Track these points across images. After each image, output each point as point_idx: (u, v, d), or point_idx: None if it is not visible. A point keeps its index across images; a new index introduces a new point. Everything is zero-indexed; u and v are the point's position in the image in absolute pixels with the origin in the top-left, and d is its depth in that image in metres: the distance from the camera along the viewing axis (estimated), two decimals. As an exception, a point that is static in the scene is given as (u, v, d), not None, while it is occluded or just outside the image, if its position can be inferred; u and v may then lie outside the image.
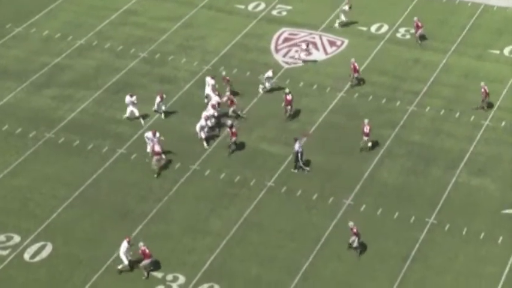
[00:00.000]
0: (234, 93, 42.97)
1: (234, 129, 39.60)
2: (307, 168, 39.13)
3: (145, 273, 33.56)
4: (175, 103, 43.47)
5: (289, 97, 41.70)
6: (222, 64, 46.49)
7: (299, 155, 38.95)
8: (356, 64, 44.11)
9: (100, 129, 41.77)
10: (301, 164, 39.08)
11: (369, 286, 33.81)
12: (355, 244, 34.57)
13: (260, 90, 44.06)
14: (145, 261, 33.46)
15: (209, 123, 40.57)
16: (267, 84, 43.91)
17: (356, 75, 44.19)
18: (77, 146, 40.80)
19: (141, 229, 36.26)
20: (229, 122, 40.14)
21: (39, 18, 50.37)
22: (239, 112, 42.02)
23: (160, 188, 38.27)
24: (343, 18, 48.97)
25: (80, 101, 43.71)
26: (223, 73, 43.58)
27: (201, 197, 37.86)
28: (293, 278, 34.07)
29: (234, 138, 39.64)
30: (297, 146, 38.89)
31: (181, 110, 42.90)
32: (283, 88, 42.87)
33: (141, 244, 33.55)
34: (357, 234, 34.38)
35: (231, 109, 41.95)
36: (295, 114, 42.78)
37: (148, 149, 39.36)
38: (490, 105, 42.86)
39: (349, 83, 44.32)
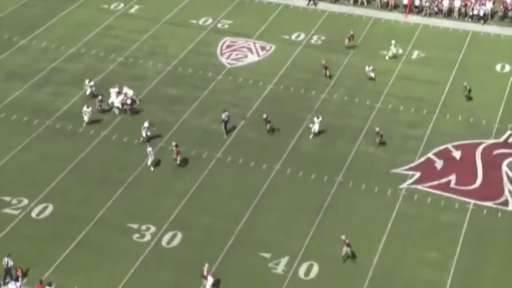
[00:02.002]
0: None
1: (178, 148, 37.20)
2: (225, 136, 39.31)
3: None
4: (145, 96, 42.94)
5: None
6: (180, 65, 46.05)
7: (224, 123, 39.26)
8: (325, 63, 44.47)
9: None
10: (224, 129, 39.29)
11: (295, 229, 33.99)
12: (347, 254, 31.89)
13: (368, 74, 44.22)
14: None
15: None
16: (372, 74, 44.38)
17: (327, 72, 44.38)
18: (70, 130, 40.19)
19: (121, 192, 35.92)
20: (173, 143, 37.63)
21: (39, 32, 49.34)
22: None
23: (135, 161, 37.89)
24: (393, 51, 46.99)
25: (72, 96, 42.92)
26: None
27: (167, 166, 37.57)
28: (237, 225, 34.16)
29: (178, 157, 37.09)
30: (223, 116, 39.13)
31: (149, 100, 42.39)
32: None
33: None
34: (348, 245, 31.78)
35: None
36: (236, 102, 42.63)
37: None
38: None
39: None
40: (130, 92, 41.33)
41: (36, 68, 45.62)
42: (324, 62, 44.45)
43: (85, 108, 40.12)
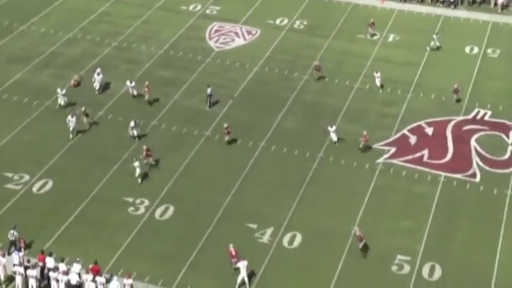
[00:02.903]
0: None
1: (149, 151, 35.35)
2: (208, 109, 39.17)
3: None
4: (139, 78, 42.40)
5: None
6: (172, 49, 45.60)
7: (209, 97, 39.06)
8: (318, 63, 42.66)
9: (85, 98, 40.57)
10: (208, 103, 39.07)
11: (279, 202, 33.96)
12: (361, 246, 30.80)
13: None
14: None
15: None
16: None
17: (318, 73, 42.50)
18: (69, 110, 39.47)
19: (117, 168, 35.71)
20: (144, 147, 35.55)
21: (37, 19, 48.64)
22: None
23: (129, 140, 37.55)
24: (437, 43, 45.59)
25: (70, 78, 42.20)
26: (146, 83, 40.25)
27: (159, 144, 37.26)
28: (226, 198, 34.08)
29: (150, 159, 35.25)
30: (208, 91, 38.86)
31: (143, 82, 41.54)
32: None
33: None
34: (361, 239, 30.59)
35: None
36: (224, 83, 42.32)
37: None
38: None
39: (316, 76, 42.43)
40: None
41: (36, 52, 45.02)
42: (317, 62, 42.52)
43: (69, 117, 36.95)
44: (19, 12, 49.31)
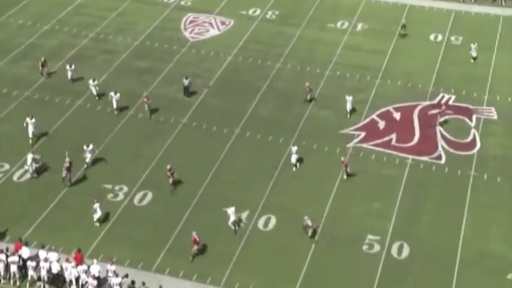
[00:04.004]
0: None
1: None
2: (187, 98, 37.90)
3: None
4: (115, 68, 40.89)
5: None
6: (148, 40, 43.98)
7: (186, 88, 37.86)
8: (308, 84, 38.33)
9: (63, 88, 38.95)
10: (186, 93, 37.85)
11: (254, 186, 32.85)
12: (310, 233, 29.77)
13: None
14: None
15: None
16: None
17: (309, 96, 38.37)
18: (47, 101, 38.13)
19: (95, 156, 34.14)
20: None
21: (15, 11, 46.62)
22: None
23: (108, 129, 36.08)
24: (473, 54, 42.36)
25: (49, 68, 40.40)
26: (145, 93, 37.46)
27: (137, 132, 35.90)
28: (202, 183, 32.83)
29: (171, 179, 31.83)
30: (186, 82, 37.66)
31: (119, 73, 40.33)
32: None
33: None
34: (309, 227, 29.58)
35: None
36: (199, 72, 40.91)
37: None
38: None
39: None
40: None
41: (14, 44, 43.16)
42: (307, 83, 38.05)
43: (29, 155, 32.54)
44: (-3, 5, 47.38)
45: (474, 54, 42.45)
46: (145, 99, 36.83)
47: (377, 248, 29.80)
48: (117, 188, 32.37)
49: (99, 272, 27.18)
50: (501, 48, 44.18)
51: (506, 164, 34.42)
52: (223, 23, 46.35)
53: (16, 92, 38.70)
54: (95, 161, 33.83)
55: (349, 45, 44.13)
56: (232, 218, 30.02)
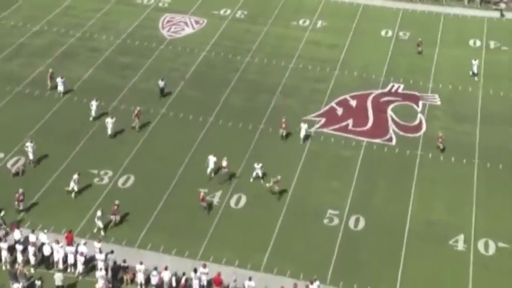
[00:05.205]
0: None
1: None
2: (163, 98, 37.61)
3: None
4: (100, 64, 40.81)
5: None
6: (129, 38, 43.90)
7: (162, 89, 37.61)
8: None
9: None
10: (162, 94, 37.64)
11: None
12: (205, 205, 29.64)
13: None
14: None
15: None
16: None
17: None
18: (37, 95, 37.94)
19: (83, 144, 34.28)
20: None
21: (7, 13, 46.12)
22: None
23: (93, 119, 36.03)
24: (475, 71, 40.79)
25: (38, 66, 40.30)
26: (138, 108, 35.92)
27: (120, 123, 35.71)
28: (180, 168, 33.12)
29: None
30: (161, 84, 37.61)
31: (104, 68, 40.33)
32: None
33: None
34: (202, 199, 29.30)
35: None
36: (176, 67, 41.02)
37: None
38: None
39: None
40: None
41: (6, 43, 42.67)
42: (283, 119, 34.83)
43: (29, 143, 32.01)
44: (-10, 7, 46.68)
45: (476, 70, 40.44)
46: (137, 113, 34.96)
47: (336, 221, 30.56)
48: (102, 172, 32.52)
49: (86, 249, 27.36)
50: (443, 42, 45.28)
51: (447, 144, 35.49)
52: (197, 22, 46.47)
53: (8, 87, 38.41)
54: (82, 148, 33.82)
55: (311, 41, 44.68)
56: (211, 166, 31.26)
